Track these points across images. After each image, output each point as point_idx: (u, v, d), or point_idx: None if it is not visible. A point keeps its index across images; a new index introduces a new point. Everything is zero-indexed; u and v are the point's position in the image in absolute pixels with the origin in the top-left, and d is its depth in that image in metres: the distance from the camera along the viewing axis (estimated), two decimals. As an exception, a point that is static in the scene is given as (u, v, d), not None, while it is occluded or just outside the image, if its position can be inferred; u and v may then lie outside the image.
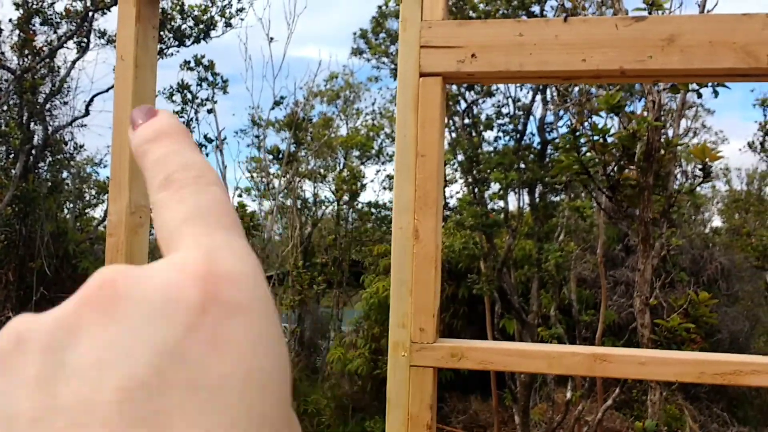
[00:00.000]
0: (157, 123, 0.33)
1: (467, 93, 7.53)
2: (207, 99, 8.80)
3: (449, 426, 9.73)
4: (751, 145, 9.56)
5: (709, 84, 2.40)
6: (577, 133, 2.67)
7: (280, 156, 9.84)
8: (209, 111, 8.79)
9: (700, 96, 2.46)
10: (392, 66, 8.22)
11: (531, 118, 7.36)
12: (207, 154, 8.83)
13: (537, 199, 7.24)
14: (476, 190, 7.25)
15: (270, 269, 9.50)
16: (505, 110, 7.61)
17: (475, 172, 7.21)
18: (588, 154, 2.63)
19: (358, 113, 15.54)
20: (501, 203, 7.52)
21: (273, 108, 9.14)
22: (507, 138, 7.56)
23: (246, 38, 14.46)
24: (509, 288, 7.14)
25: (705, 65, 0.90)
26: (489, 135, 10.36)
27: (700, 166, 2.51)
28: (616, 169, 2.56)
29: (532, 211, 7.23)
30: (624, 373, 0.89)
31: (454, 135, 7.50)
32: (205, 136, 8.92)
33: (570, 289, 7.90)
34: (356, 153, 15.27)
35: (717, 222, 16.66)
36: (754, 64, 0.89)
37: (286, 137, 10.27)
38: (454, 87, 7.29)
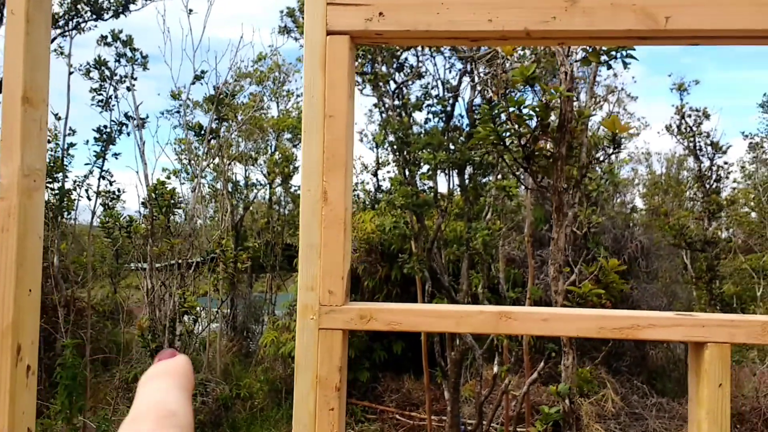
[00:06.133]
0: (164, 364, 0.46)
1: (396, 74, 7.53)
2: (126, 76, 8.45)
3: (382, 405, 9.82)
4: (668, 128, 9.94)
5: (619, 57, 2.48)
6: (493, 104, 2.71)
7: (203, 132, 9.59)
8: (128, 89, 8.45)
9: (609, 67, 2.53)
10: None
11: (460, 100, 7.43)
12: (128, 134, 8.50)
13: (467, 180, 7.33)
14: (407, 170, 7.29)
15: (197, 254, 9.30)
16: (434, 92, 7.65)
17: (405, 152, 7.24)
18: (505, 125, 2.68)
19: (288, 95, 15.36)
20: (431, 183, 7.59)
21: (194, 83, 8.85)
22: (436, 120, 7.61)
23: (164, 11, 13.96)
24: (439, 267, 7.23)
25: (607, 26, 0.91)
26: (419, 117, 10.42)
27: (610, 137, 2.60)
28: (531, 140, 2.62)
29: (462, 192, 7.32)
30: (528, 330, 0.91)
31: (384, 116, 7.50)
32: (126, 114, 8.58)
33: (498, 268, 8.06)
34: (288, 135, 15.09)
35: (639, 204, 17.35)
36: (653, 26, 0.91)
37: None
38: (384, 67, 7.27)
